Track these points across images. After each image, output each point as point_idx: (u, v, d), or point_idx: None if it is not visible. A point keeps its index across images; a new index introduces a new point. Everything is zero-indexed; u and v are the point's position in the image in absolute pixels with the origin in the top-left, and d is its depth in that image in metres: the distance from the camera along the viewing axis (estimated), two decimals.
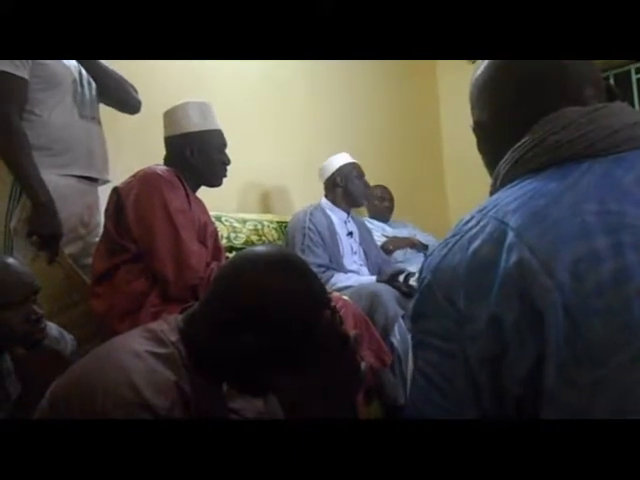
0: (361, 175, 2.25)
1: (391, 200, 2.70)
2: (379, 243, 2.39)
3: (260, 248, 0.81)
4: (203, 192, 1.59)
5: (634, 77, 2.79)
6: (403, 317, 1.73)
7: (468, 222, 0.53)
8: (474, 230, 0.51)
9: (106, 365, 0.70)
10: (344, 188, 2.22)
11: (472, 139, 0.69)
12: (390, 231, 2.58)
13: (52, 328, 1.20)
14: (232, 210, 2.20)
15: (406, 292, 1.86)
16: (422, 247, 2.49)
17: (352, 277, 2.01)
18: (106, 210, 1.44)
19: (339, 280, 1.97)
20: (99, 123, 1.59)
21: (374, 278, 1.99)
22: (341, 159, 2.28)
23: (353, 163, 2.27)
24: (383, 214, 2.66)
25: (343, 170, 2.23)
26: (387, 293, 1.78)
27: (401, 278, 1.92)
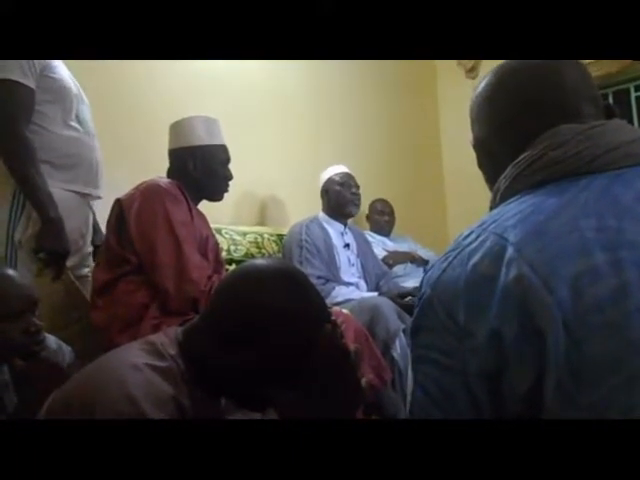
0: (349, 184, 2.21)
1: (392, 214, 2.70)
2: (380, 257, 2.39)
3: (260, 261, 0.80)
4: (201, 204, 1.59)
5: (633, 95, 2.81)
6: (404, 331, 1.72)
7: (468, 236, 0.53)
8: (474, 245, 0.51)
9: (105, 377, 0.69)
10: (330, 197, 2.22)
11: (472, 154, 0.69)
12: (391, 245, 2.58)
13: (50, 340, 1.19)
14: (230, 222, 2.20)
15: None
16: (422, 262, 2.49)
17: (354, 291, 2.00)
18: (108, 222, 1.44)
19: (340, 294, 1.96)
20: (97, 140, 1.60)
21: (376, 294, 1.98)
22: (332, 170, 2.28)
23: (342, 173, 2.25)
24: (384, 228, 2.66)
25: (331, 180, 2.24)
26: (388, 307, 1.77)
27: (408, 299, 1.91)
